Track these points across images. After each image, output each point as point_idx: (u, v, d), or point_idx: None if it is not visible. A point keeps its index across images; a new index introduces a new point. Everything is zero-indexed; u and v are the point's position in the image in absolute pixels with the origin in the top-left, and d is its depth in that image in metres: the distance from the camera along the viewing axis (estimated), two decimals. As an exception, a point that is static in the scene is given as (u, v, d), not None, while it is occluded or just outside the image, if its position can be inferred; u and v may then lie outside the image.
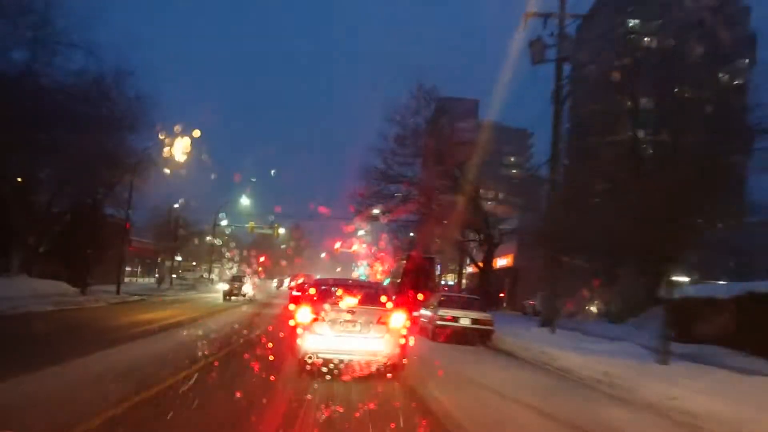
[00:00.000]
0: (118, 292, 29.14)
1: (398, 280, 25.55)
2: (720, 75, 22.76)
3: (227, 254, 67.87)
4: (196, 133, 27.04)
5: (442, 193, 25.63)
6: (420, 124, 26.04)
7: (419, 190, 25.80)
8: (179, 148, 29.16)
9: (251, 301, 32.03)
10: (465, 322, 15.49)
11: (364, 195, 27.16)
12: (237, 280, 34.78)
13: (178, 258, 60.35)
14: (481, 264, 27.62)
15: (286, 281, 66.82)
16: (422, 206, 26.99)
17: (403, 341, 8.16)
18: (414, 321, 9.86)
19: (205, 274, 59.37)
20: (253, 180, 45.28)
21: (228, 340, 12.20)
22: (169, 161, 28.99)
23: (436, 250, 35.11)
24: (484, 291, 26.11)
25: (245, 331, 14.07)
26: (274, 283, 63.80)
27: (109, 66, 25.04)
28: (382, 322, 8.10)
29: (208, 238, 58.07)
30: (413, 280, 23.03)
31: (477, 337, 15.50)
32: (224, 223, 56.52)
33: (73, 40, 22.07)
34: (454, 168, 25.29)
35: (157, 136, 28.24)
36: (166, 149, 28.38)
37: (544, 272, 24.78)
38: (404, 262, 26.26)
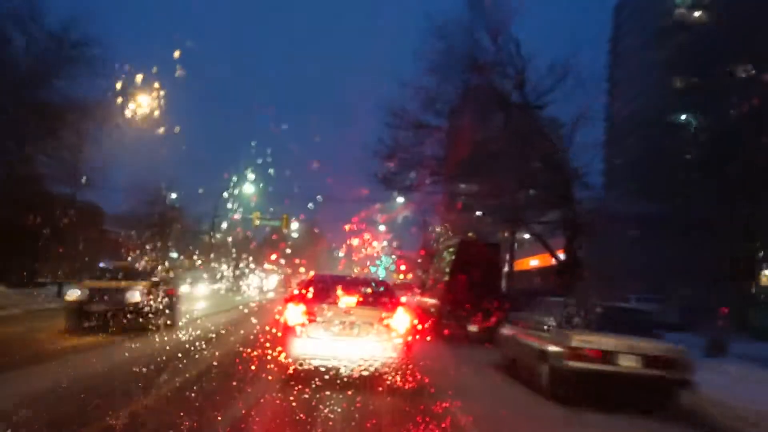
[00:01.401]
0: (59, 293, 22.00)
1: (445, 278, 17.40)
2: None
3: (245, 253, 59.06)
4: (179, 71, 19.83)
5: (502, 145, 17.33)
6: (470, 47, 17.66)
7: (464, 135, 17.41)
8: (144, 102, 22.06)
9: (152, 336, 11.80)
10: (630, 362, 7.18)
11: (392, 155, 19.05)
12: (119, 275, 13.47)
13: (174, 254, 53.58)
14: (562, 254, 19.18)
15: (267, 282, 51.36)
16: (471, 166, 18.64)
17: (403, 342, 7.14)
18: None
19: (205, 274, 51.53)
20: (252, 175, 37.72)
21: None
22: (133, 119, 21.99)
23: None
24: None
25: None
26: (253, 282, 49.26)
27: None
28: (384, 324, 7.16)
29: (218, 234, 50.81)
30: (474, 278, 14.82)
31: (652, 394, 7.32)
32: (230, 220, 49.16)
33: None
34: (527, 106, 16.95)
35: (112, 86, 21.23)
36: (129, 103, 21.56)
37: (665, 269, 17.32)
38: (452, 251, 18.04)
